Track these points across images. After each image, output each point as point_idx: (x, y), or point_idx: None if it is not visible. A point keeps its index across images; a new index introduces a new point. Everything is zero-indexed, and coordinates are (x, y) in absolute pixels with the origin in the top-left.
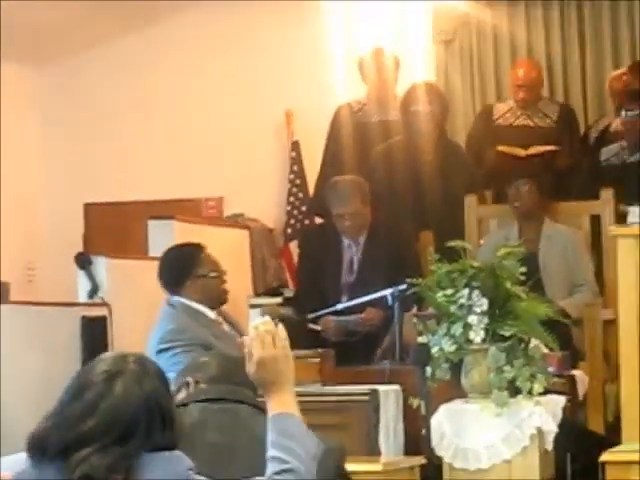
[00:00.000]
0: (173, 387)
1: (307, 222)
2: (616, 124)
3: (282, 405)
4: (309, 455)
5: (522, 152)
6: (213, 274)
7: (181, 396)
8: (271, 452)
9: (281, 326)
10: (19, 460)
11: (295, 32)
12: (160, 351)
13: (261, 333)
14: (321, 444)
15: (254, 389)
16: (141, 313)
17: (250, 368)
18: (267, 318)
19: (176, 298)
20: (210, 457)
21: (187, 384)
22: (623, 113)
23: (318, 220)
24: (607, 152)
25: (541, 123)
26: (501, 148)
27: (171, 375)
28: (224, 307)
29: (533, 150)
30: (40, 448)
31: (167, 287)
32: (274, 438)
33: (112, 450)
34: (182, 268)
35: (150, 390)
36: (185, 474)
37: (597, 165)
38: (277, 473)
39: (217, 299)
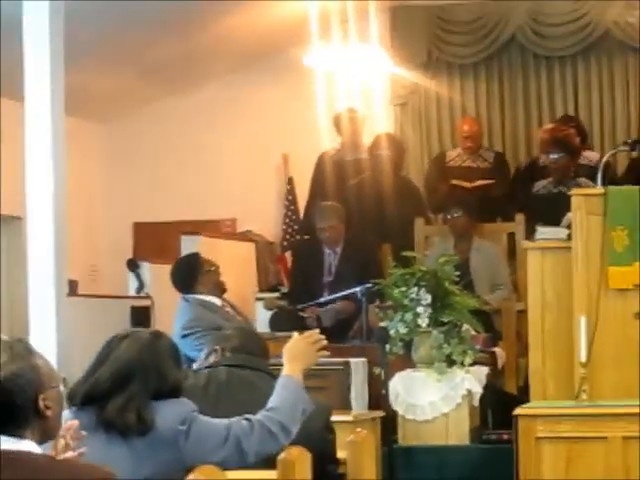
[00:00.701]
0: (204, 354)
1: (298, 237)
2: (543, 159)
3: (292, 372)
4: (297, 405)
5: (469, 185)
6: (213, 268)
7: (211, 359)
8: (272, 397)
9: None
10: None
11: (291, 95)
12: (184, 336)
13: (313, 334)
14: (312, 403)
15: (267, 358)
16: (174, 304)
17: (291, 344)
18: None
19: (189, 295)
20: (233, 410)
21: (215, 351)
22: (551, 156)
23: (306, 237)
24: (538, 185)
25: (481, 165)
26: (454, 181)
27: (197, 354)
28: (227, 296)
29: (477, 183)
30: (70, 399)
31: (181, 288)
32: (276, 388)
33: (119, 395)
34: (192, 270)
35: (148, 347)
36: (190, 414)
37: (528, 194)
38: (267, 409)
39: (219, 287)
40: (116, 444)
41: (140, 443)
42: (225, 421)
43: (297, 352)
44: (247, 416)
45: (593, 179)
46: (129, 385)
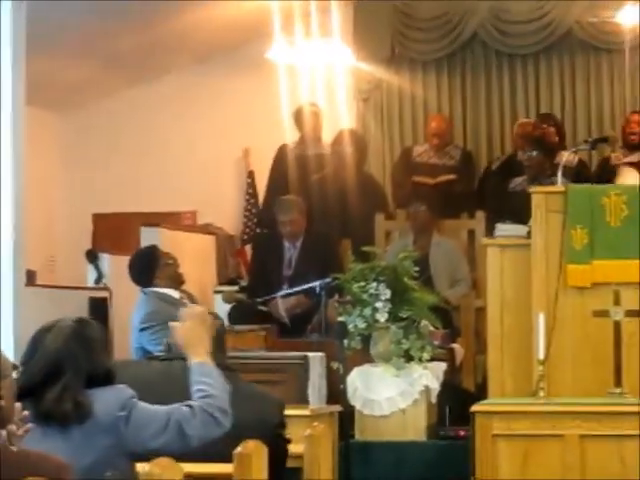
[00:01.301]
0: (163, 346)
1: (258, 230)
2: (519, 156)
3: (201, 357)
4: (224, 387)
5: (431, 181)
6: (171, 260)
7: (169, 353)
8: (194, 387)
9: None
10: None
11: (253, 89)
12: (142, 330)
13: (198, 311)
14: (266, 398)
15: (223, 351)
16: (132, 296)
17: (181, 331)
18: (198, 307)
19: (147, 288)
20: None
21: (169, 345)
22: (526, 153)
23: (265, 230)
24: (514, 182)
25: (447, 162)
26: (415, 178)
27: (155, 348)
28: (186, 288)
29: (439, 179)
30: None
31: (139, 281)
32: (197, 377)
33: (54, 386)
34: (150, 263)
35: (73, 336)
36: (129, 400)
37: (504, 190)
38: (202, 398)
39: (178, 280)
40: (52, 437)
41: (78, 433)
42: (165, 407)
43: (194, 338)
44: (188, 402)
45: (567, 177)
46: (61, 375)
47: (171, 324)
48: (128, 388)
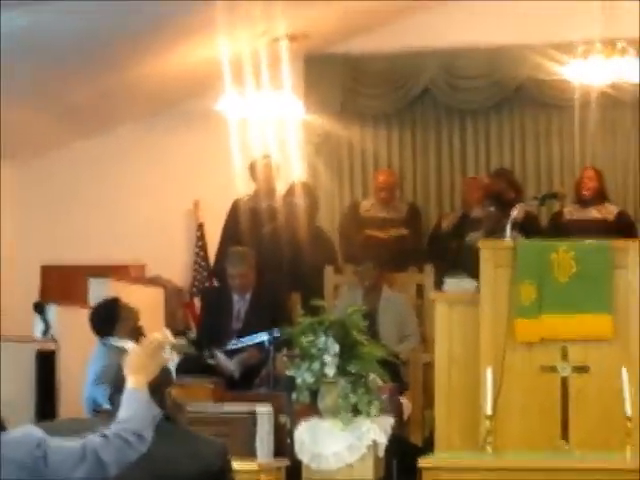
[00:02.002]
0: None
1: (207, 283)
2: (476, 212)
3: (136, 385)
4: (147, 414)
5: (384, 235)
6: (132, 315)
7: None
8: (120, 411)
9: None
10: None
11: (203, 141)
12: (97, 384)
13: (151, 340)
14: (208, 444)
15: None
16: (81, 348)
17: (129, 356)
18: (159, 334)
19: (107, 340)
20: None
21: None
22: (484, 209)
23: (216, 283)
24: (471, 237)
25: (395, 216)
26: (368, 232)
27: (108, 403)
28: None
29: (392, 233)
30: None
31: (99, 332)
32: (124, 401)
33: None
34: (111, 315)
35: None
36: (41, 438)
37: (460, 245)
38: (117, 423)
39: (137, 333)
40: None
41: None
42: (79, 440)
43: (139, 364)
44: (102, 431)
45: (521, 232)
46: None
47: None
48: (34, 427)
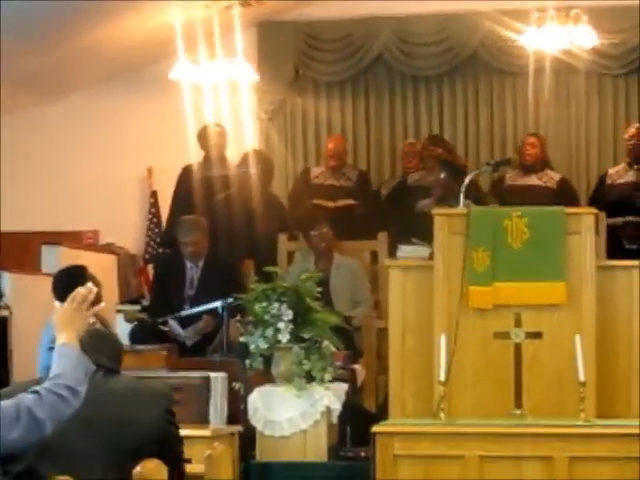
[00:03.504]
0: None
1: (160, 250)
2: (413, 178)
3: (66, 339)
4: (79, 368)
5: (331, 204)
6: (97, 285)
7: None
8: (52, 367)
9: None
10: None
11: (156, 108)
12: (50, 349)
13: (77, 295)
14: (147, 390)
15: (117, 362)
16: (34, 315)
17: (57, 313)
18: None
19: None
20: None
21: None
22: (434, 175)
23: (167, 250)
24: (421, 204)
25: (345, 184)
26: (316, 201)
27: None
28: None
29: (340, 203)
30: None
31: (62, 298)
32: (54, 358)
33: None
34: (74, 283)
35: None
36: None
37: (410, 211)
38: (50, 379)
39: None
40: None
41: None
42: (12, 399)
43: (66, 320)
44: (33, 388)
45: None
46: None
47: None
48: None
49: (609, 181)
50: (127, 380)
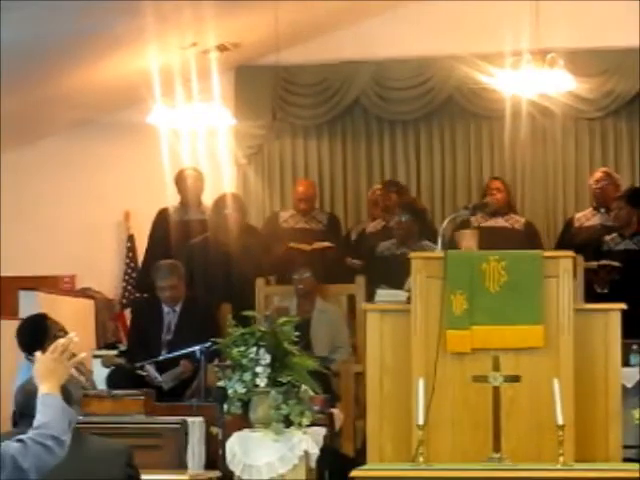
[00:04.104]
0: None
1: (137, 295)
2: (371, 226)
3: (49, 390)
4: (64, 418)
5: (307, 247)
6: (61, 332)
7: None
8: (37, 417)
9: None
10: None
11: (134, 152)
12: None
13: (58, 345)
14: (106, 447)
15: None
16: (10, 360)
17: (38, 362)
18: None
19: (34, 355)
20: None
21: None
22: (396, 217)
23: (144, 294)
24: (382, 246)
25: (315, 227)
26: (291, 244)
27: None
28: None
29: (315, 245)
30: None
31: (27, 348)
32: (38, 408)
33: None
34: (38, 331)
35: None
36: None
37: (371, 256)
38: (35, 428)
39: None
40: None
41: None
42: None
43: (47, 371)
44: (18, 437)
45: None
46: None
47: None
48: None
49: (577, 224)
50: (86, 440)
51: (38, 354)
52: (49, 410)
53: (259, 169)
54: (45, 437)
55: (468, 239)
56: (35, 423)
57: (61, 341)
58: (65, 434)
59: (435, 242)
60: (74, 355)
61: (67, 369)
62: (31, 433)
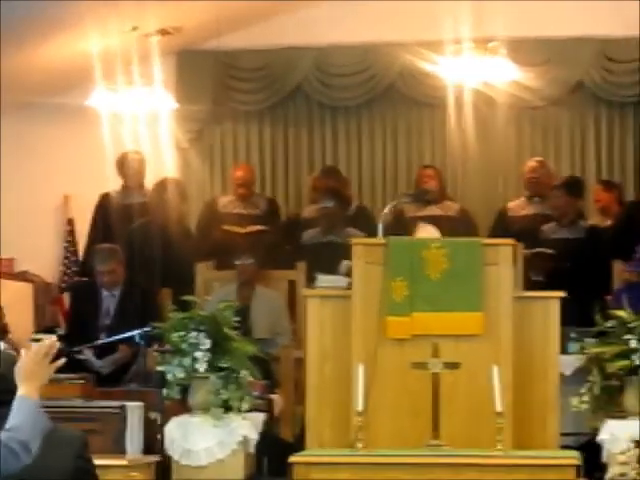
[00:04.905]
0: None
1: (77, 279)
2: (307, 212)
3: (26, 392)
4: (36, 424)
5: (242, 230)
6: None
7: None
8: (10, 418)
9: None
10: None
11: (74, 136)
12: None
13: (41, 347)
14: (59, 435)
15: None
16: None
17: (21, 365)
18: (48, 341)
19: None
20: None
21: None
22: (321, 204)
23: (85, 278)
24: (307, 234)
25: (253, 212)
26: (226, 227)
27: None
28: (12, 337)
29: (249, 229)
30: None
31: None
32: (14, 408)
33: None
34: None
35: None
36: None
37: (298, 243)
38: (5, 430)
39: (3, 330)
40: None
41: None
42: None
43: (28, 372)
44: None
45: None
46: None
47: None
48: None
49: (510, 213)
50: None
51: (23, 351)
52: (23, 413)
53: (200, 154)
54: (13, 441)
55: (422, 234)
56: (7, 425)
57: (46, 342)
58: (34, 440)
59: (371, 229)
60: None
61: (48, 373)
62: (2, 434)
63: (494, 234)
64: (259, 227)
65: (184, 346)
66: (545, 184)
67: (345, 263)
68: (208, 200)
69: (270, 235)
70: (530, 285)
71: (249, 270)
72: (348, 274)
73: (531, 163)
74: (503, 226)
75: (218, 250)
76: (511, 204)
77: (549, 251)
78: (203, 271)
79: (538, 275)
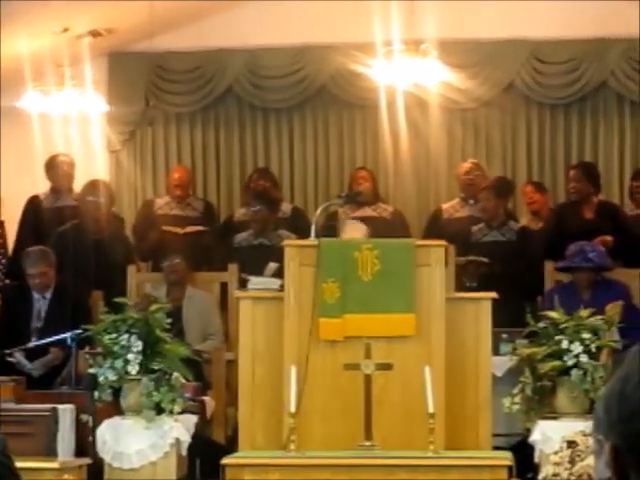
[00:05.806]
0: None
1: (7, 281)
2: (239, 214)
3: None
4: None
5: (180, 230)
6: None
7: None
8: None
9: None
10: None
11: (5, 137)
12: None
13: None
14: None
15: None
16: None
17: None
18: None
19: None
20: None
21: None
22: (251, 208)
23: (15, 281)
24: (239, 237)
25: (190, 214)
26: (165, 227)
27: None
28: None
29: (188, 229)
30: None
31: None
32: None
33: None
34: None
35: None
36: None
37: (231, 245)
38: None
39: None
40: None
41: None
42: None
43: None
44: None
45: (290, 230)
46: None
47: None
48: None
49: (445, 215)
50: None
51: None
52: None
53: (132, 156)
54: None
55: (351, 231)
56: None
57: None
58: None
59: (307, 231)
60: None
61: None
62: None
63: (428, 236)
64: (198, 228)
65: (116, 348)
66: (479, 186)
67: (271, 265)
68: (145, 201)
69: (208, 236)
70: (465, 291)
71: (177, 269)
72: (274, 276)
73: (466, 165)
74: (437, 228)
75: (156, 251)
76: (445, 206)
77: (483, 259)
78: (134, 273)
79: (472, 281)
